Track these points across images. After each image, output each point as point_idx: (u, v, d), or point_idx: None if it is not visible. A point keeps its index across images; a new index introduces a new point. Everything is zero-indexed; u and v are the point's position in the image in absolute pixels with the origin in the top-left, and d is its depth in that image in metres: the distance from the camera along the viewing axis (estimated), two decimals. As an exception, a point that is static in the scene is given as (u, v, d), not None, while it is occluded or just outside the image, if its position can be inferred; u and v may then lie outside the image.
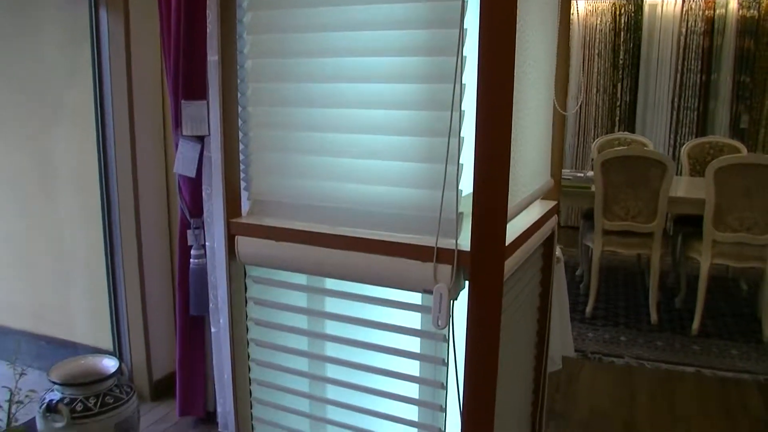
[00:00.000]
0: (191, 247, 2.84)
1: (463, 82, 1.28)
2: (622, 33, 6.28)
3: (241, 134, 1.59)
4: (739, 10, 5.90)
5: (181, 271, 2.88)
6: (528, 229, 1.54)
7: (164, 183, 3.16)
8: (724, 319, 4.30)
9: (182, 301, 2.89)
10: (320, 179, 1.50)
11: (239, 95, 1.57)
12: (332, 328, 1.58)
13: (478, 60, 1.21)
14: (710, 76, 6.07)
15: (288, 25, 1.47)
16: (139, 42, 2.94)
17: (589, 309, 4.30)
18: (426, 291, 1.34)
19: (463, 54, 1.26)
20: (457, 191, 1.30)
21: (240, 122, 1.59)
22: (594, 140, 5.71)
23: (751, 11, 5.85)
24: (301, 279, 1.62)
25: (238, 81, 1.57)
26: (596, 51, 6.38)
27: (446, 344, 1.38)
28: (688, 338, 3.96)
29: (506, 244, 1.36)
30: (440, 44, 1.29)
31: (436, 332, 1.38)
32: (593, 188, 4.19)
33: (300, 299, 1.61)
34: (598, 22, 6.33)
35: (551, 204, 1.83)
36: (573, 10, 6.38)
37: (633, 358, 3.66)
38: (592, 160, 4.35)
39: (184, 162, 2.74)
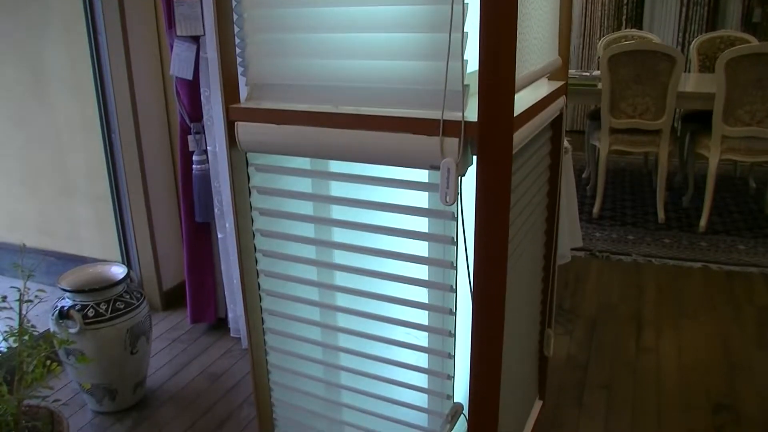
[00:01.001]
0: (193, 152, 2.80)
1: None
2: (630, -75, 6.00)
3: (235, 15, 1.52)
4: None
5: (184, 178, 2.85)
6: (536, 104, 1.49)
7: (161, 87, 3.08)
8: (731, 216, 4.28)
9: (187, 208, 2.87)
10: (320, 57, 1.43)
11: (231, -26, 1.49)
12: (338, 212, 1.55)
13: None
14: (722, -32, 5.84)
15: None
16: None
17: (596, 209, 4.28)
18: (433, 167, 1.29)
19: None
20: (462, 61, 1.24)
21: (234, 2, 1.51)
22: (600, 39, 5.54)
23: None
24: (305, 164, 1.58)
25: (229, -41, 1.48)
26: (602, -54, 6.11)
27: (455, 223, 1.35)
28: (696, 235, 3.95)
29: (515, 115, 1.31)
30: None
31: (444, 210, 1.35)
32: (600, 86, 4.09)
33: (305, 185, 1.58)
34: None
35: (559, 84, 1.77)
36: None
37: (641, 255, 3.67)
38: (599, 59, 4.22)
39: (180, 63, 2.66)
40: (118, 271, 2.52)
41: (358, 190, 1.48)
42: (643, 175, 5.27)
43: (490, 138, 1.23)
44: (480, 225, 1.29)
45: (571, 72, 4.83)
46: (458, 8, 1.22)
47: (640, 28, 6.16)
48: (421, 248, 1.43)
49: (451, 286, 1.40)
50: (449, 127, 1.26)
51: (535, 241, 1.83)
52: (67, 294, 2.41)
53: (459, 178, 1.28)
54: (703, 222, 4.02)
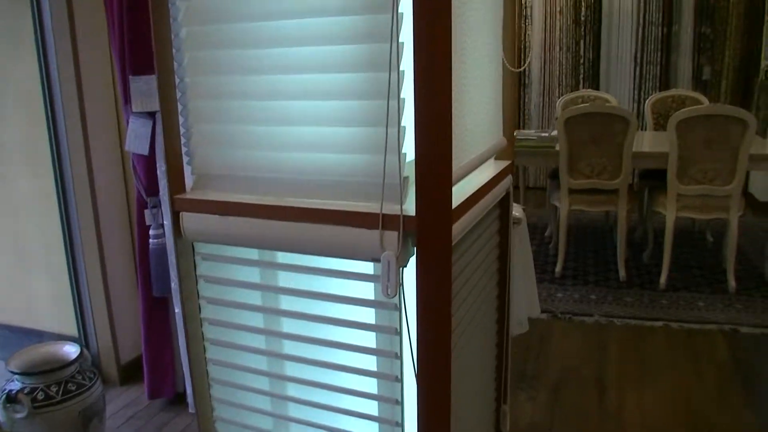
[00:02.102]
0: (150, 226, 2.78)
1: (400, 41, 1.23)
2: (583, -11, 6.23)
3: (180, 106, 1.53)
4: (698, -39, 5.88)
5: (141, 252, 2.82)
6: (479, 190, 1.51)
7: (120, 161, 3.08)
8: (691, 271, 4.35)
9: (144, 282, 2.84)
10: (262, 149, 1.45)
11: (176, 65, 1.51)
12: (287, 302, 1.54)
13: (413, 18, 1.16)
14: (671, 28, 6.07)
15: (219, -10, 1.40)
16: (84, 15, 2.83)
17: (558, 269, 4.32)
18: (374, 259, 1.30)
19: (399, 12, 1.21)
20: (400, 155, 1.26)
21: (179, 94, 1.52)
22: (559, 99, 5.68)
23: (710, -38, 5.83)
24: (252, 254, 1.57)
25: (174, 51, 1.50)
26: (557, 8, 6.32)
27: (398, 313, 1.35)
28: (657, 292, 4.00)
29: (453, 207, 1.33)
30: (376, 3, 1.24)
31: (388, 301, 1.35)
32: (558, 147, 4.18)
33: (252, 274, 1.57)
34: (559, -22, 6.27)
35: (505, 164, 1.80)
36: (533, -33, 6.31)
37: (602, 315, 3.69)
38: (556, 118, 4.32)
39: (135, 139, 2.66)
40: (71, 350, 2.47)
41: (306, 280, 1.48)
42: (605, 231, 5.35)
43: (429, 232, 1.25)
44: (422, 316, 1.29)
45: (530, 132, 4.94)
46: (394, 103, 1.25)
47: (597, 86, 6.34)
48: (369, 338, 1.43)
49: (397, 377, 1.39)
50: (388, 221, 1.27)
51: (486, 317, 1.84)
52: (16, 376, 2.35)
53: (400, 269, 1.29)
54: (663, 279, 4.07)
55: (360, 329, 1.41)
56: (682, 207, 4.02)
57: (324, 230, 1.35)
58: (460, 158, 1.40)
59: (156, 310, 2.88)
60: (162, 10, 1.47)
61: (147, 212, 2.76)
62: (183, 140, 1.56)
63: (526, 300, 2.72)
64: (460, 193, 1.42)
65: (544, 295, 3.99)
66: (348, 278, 1.40)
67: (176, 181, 1.55)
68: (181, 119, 1.54)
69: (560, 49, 6.39)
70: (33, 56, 2.89)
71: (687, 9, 5.97)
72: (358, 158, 1.33)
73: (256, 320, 1.58)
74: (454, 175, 1.35)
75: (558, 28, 6.36)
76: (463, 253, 1.50)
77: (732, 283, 4.00)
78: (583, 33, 6.30)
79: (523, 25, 6.47)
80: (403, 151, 1.28)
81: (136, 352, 3.22)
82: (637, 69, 6.19)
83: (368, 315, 1.42)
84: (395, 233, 1.27)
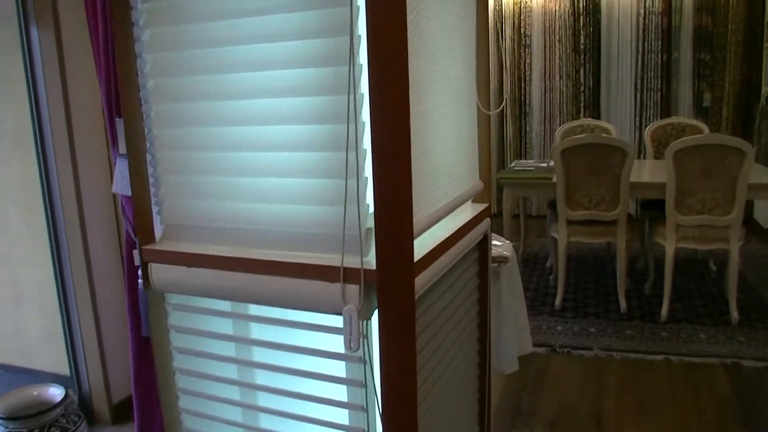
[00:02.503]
0: (138, 267, 2.77)
1: (361, 92, 1.22)
2: (581, 17, 6.25)
3: (149, 156, 1.53)
4: (695, -11, 5.89)
5: (131, 292, 2.81)
6: (449, 237, 1.49)
7: (111, 203, 3.08)
8: (693, 302, 4.29)
9: (134, 322, 2.82)
10: (227, 200, 1.44)
11: (144, 117, 1.51)
12: (258, 354, 1.52)
13: (368, 67, 1.15)
14: (671, 55, 6.06)
15: (183, 41, 1.41)
16: (74, 59, 2.86)
17: (558, 301, 4.27)
18: (337, 313, 1.28)
19: (359, 62, 1.21)
20: (359, 206, 1.24)
21: (147, 144, 1.52)
22: (558, 127, 5.67)
23: (708, -11, 5.84)
24: (223, 305, 1.56)
25: (142, 102, 1.50)
26: (557, 37, 6.34)
27: (363, 366, 1.33)
28: (658, 325, 3.94)
29: (420, 257, 1.31)
30: (335, 53, 1.23)
31: (353, 354, 1.33)
32: (555, 178, 4.15)
33: (223, 325, 1.55)
34: (557, 7, 6.30)
35: (482, 207, 1.78)
36: (531, -3, 6.34)
37: (602, 349, 3.64)
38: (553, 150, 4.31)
39: (122, 180, 2.66)
40: (56, 392, 2.45)
41: (277, 332, 1.46)
42: (607, 260, 5.30)
43: (390, 286, 1.23)
44: (386, 371, 1.26)
45: (529, 162, 4.93)
46: (353, 155, 1.24)
47: (598, 114, 6.34)
48: (341, 391, 1.40)
49: (365, 430, 1.36)
50: (350, 274, 1.25)
51: (466, 361, 1.80)
52: (0, 421, 2.33)
53: (363, 322, 1.27)
54: (663, 311, 4.01)
55: (329, 382, 1.39)
56: (681, 237, 3.97)
57: (286, 283, 1.33)
58: (425, 207, 1.39)
59: (145, 351, 2.86)
60: (129, 64, 1.47)
61: (135, 252, 2.75)
62: (152, 190, 1.55)
63: (516, 340, 2.68)
64: (428, 241, 1.41)
65: (543, 328, 3.95)
66: (317, 330, 1.38)
67: (144, 231, 1.54)
68: (150, 169, 1.54)
69: (560, 77, 6.40)
70: (24, 104, 2.92)
71: (686, 36, 5.97)
72: (320, 209, 1.32)
73: (229, 370, 1.56)
74: (419, 225, 1.34)
75: (558, 56, 6.37)
76: (432, 303, 1.48)
77: (735, 314, 3.93)
78: (582, 61, 6.31)
79: (522, 53, 6.49)
80: (367, 201, 1.26)
81: (127, 392, 3.20)
82: (638, 96, 6.18)
83: (340, 367, 1.39)
84: (356, 287, 1.25)
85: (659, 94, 6.11)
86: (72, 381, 3.17)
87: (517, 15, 6.46)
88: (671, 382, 3.24)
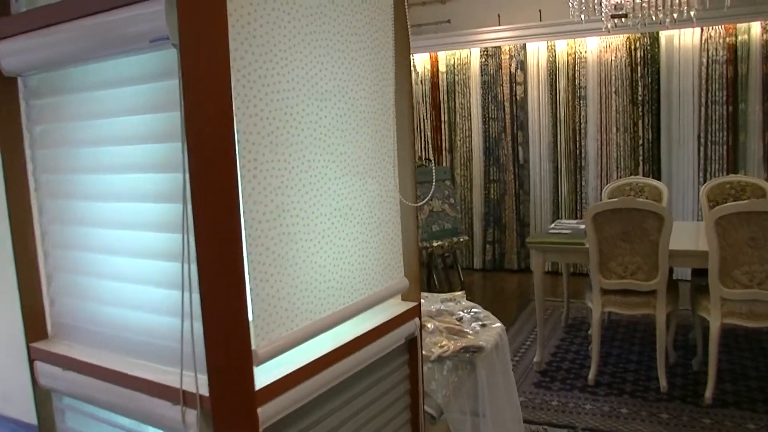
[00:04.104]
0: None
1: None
2: (639, 68, 5.95)
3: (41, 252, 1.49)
4: (762, 35, 5.50)
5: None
6: (338, 349, 1.36)
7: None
8: (747, 382, 3.87)
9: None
10: (102, 304, 1.37)
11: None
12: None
13: (190, 179, 1.05)
14: (737, 106, 5.66)
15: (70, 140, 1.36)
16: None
17: (591, 375, 3.96)
18: (177, 442, 1.17)
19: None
20: (192, 323, 1.14)
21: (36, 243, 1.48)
22: (606, 186, 5.36)
23: (777, 36, 5.44)
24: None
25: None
26: (613, 88, 6.06)
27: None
28: (700, 408, 3.57)
29: (277, 379, 1.19)
30: (164, 161, 1.15)
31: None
32: (588, 244, 3.89)
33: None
34: (614, 57, 6.03)
35: (409, 305, 1.63)
36: (585, 48, 6.12)
37: (629, 434, 3.32)
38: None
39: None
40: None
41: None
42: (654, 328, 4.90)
43: (226, 417, 1.11)
44: None
45: (568, 223, 4.67)
46: (187, 266, 1.14)
47: (658, 168, 5.98)
48: None
49: None
50: (191, 397, 1.14)
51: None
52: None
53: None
54: (707, 393, 3.64)
55: None
56: (727, 313, 3.61)
57: (135, 397, 1.24)
58: (299, 319, 1.26)
59: None
60: (21, 184, 1.45)
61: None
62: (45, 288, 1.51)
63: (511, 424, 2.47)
64: (299, 358, 1.28)
65: (570, 406, 3.66)
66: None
67: (32, 328, 1.49)
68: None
69: (617, 129, 6.09)
70: None
71: (754, 86, 5.56)
72: (169, 321, 1.22)
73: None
74: (284, 341, 1.22)
75: (614, 108, 6.08)
76: (312, 424, 1.34)
77: (790, 400, 3.51)
78: (641, 113, 5.99)
79: (577, 105, 6.24)
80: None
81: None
82: (701, 150, 5.79)
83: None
84: (194, 411, 1.13)
85: (725, 147, 5.70)
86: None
87: (571, 66, 6.23)
88: (701, 482, 2.90)
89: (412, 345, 1.66)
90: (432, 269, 5.84)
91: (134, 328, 1.32)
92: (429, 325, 2.44)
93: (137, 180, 1.23)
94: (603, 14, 4.44)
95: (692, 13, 4.29)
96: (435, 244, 5.51)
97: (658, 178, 5.92)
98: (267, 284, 1.18)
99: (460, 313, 2.70)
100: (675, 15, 4.34)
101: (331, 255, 1.36)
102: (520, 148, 6.56)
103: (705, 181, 5.73)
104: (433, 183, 5.72)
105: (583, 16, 4.58)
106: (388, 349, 1.56)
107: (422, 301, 2.93)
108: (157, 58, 1.17)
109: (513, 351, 4.53)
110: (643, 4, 4.32)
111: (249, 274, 1.14)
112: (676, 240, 3.85)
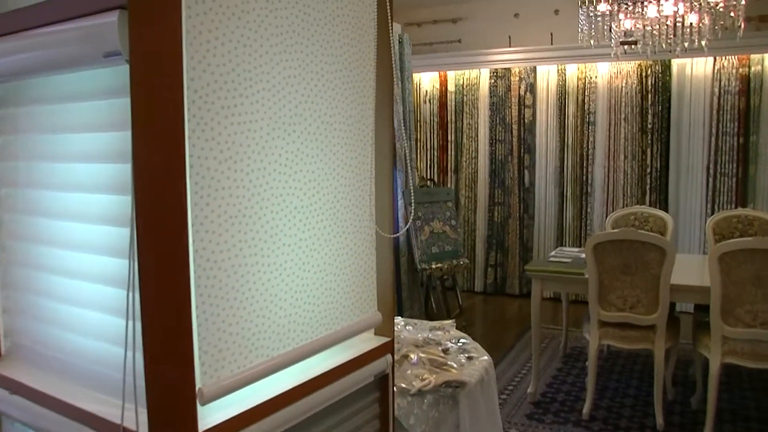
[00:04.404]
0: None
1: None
2: (649, 95, 5.87)
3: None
4: (776, 68, 5.41)
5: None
6: (299, 386, 1.28)
7: None
8: (747, 424, 3.75)
9: None
10: (44, 323, 1.30)
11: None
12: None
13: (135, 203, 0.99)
14: (748, 138, 5.56)
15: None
16: None
17: (585, 410, 3.85)
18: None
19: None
20: (134, 355, 1.07)
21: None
22: (609, 214, 5.27)
23: (791, 69, 5.35)
24: None
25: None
26: (623, 115, 5.98)
27: None
28: (697, 449, 3.45)
29: (228, 418, 1.11)
30: (116, 182, 1.08)
31: None
32: (587, 274, 3.80)
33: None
34: (624, 84, 5.95)
35: (382, 341, 1.55)
36: (596, 73, 6.05)
37: (621, 474, 3.20)
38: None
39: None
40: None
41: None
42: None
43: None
44: None
45: (570, 251, 4.58)
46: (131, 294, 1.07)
47: (666, 198, 5.87)
48: None
49: None
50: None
51: None
52: None
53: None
54: (705, 434, 3.52)
55: None
56: (728, 352, 3.50)
57: (77, 429, 1.17)
58: (244, 358, 1.18)
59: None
60: None
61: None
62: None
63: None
64: (258, 396, 1.20)
65: (563, 442, 3.55)
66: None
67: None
68: None
69: (625, 157, 6.00)
70: None
71: (766, 119, 5.46)
72: (118, 351, 1.15)
73: None
74: (235, 379, 1.14)
75: (623, 135, 5.99)
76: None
77: (791, 446, 3.39)
78: (650, 141, 5.90)
79: (585, 131, 6.16)
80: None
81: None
82: (710, 181, 5.69)
83: None
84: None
85: (734, 180, 5.59)
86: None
87: (581, 90, 6.16)
88: None
89: (383, 382, 1.58)
90: (430, 291, 5.75)
91: (84, 354, 1.26)
92: (413, 356, 2.36)
93: (89, 201, 1.17)
94: (612, 41, 4.37)
95: (703, 43, 4.21)
96: (434, 266, 5.42)
97: (665, 208, 5.82)
98: (218, 318, 1.11)
99: (448, 343, 2.61)
100: (686, 44, 4.27)
101: (294, 288, 1.29)
102: (526, 172, 6.48)
103: (713, 213, 5.62)
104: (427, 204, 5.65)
105: (592, 42, 4.52)
106: (355, 387, 1.47)
107: (410, 328, 2.86)
108: (115, 73, 1.11)
109: (508, 379, 4.42)
110: (654, 32, 4.25)
111: (197, 307, 1.08)
112: (679, 273, 3.75)
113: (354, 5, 1.39)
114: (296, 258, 1.28)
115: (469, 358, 2.47)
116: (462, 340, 2.69)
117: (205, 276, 1.09)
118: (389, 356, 1.57)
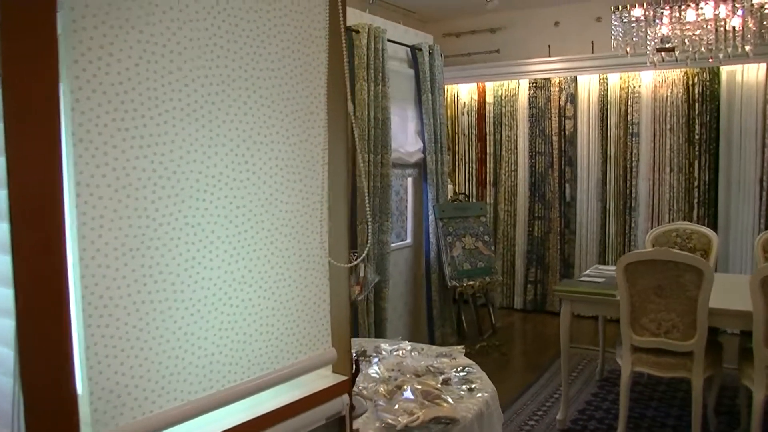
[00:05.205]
0: None
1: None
2: (696, 104, 5.56)
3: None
4: (835, 74, 5.04)
5: None
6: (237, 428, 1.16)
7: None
8: (796, 461, 3.44)
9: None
10: None
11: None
12: None
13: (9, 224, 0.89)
14: (805, 150, 5.20)
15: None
16: None
17: (617, 440, 3.61)
18: None
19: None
20: (14, 384, 0.97)
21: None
22: (650, 230, 4.98)
23: None
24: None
25: None
26: (668, 126, 5.68)
27: None
28: (738, 488, 3.18)
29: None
30: None
31: None
32: (619, 296, 3.57)
33: None
34: (669, 93, 5.66)
35: (339, 379, 1.42)
36: (639, 82, 5.79)
37: None
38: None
39: None
40: None
41: None
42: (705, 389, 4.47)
43: None
44: None
45: (605, 269, 4.34)
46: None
47: (715, 212, 5.54)
48: None
49: None
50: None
51: None
52: None
53: None
54: (747, 472, 3.24)
55: None
56: (772, 382, 3.21)
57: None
58: (152, 403, 1.07)
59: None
60: None
61: None
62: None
63: None
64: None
65: (590, 476, 3.32)
66: None
67: None
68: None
69: (671, 170, 5.70)
70: None
71: (824, 128, 5.10)
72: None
73: None
74: (138, 428, 1.03)
75: (668, 147, 5.69)
76: None
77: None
78: (697, 153, 5.58)
79: (629, 142, 5.88)
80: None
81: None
82: (764, 195, 5.33)
83: None
84: None
85: (790, 193, 5.24)
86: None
87: (624, 101, 5.89)
88: None
89: (341, 425, 1.45)
90: (461, 310, 5.57)
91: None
92: (406, 387, 2.21)
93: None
94: (648, 48, 4.14)
95: (748, 48, 3.94)
96: (465, 283, 5.23)
97: (714, 224, 5.49)
98: (115, 361, 1.01)
99: (451, 372, 2.45)
100: (729, 50, 4.00)
101: (216, 326, 1.17)
102: (567, 185, 6.24)
103: (767, 229, 5.28)
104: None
105: (628, 49, 4.29)
106: (305, 430, 1.35)
107: (415, 354, 2.71)
108: None
109: (539, 403, 4.21)
110: (694, 38, 4.00)
111: (87, 348, 0.97)
112: (721, 296, 3.49)
113: (298, 14, 1.28)
114: (219, 293, 1.17)
115: (471, 390, 2.31)
116: (468, 368, 2.53)
117: (98, 315, 0.99)
118: (346, 396, 1.44)
